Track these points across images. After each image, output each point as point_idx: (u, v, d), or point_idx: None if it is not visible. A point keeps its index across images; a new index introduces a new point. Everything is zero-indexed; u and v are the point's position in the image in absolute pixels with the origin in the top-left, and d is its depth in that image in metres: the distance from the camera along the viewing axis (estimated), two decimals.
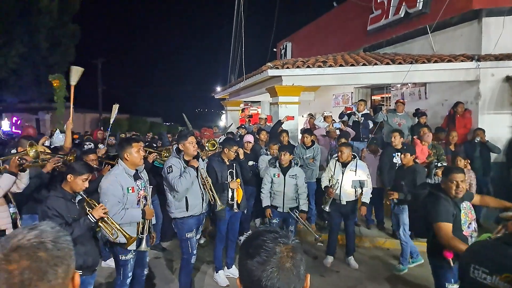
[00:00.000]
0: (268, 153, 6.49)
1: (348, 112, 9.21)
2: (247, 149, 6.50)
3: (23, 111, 22.84)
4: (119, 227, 3.37)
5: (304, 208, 5.48)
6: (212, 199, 4.53)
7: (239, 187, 4.98)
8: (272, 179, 5.57)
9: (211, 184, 4.52)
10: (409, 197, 4.95)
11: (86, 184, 3.31)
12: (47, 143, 5.82)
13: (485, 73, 7.81)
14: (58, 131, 7.48)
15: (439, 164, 6.26)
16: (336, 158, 5.70)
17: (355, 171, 5.50)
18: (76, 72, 5.29)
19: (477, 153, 7.09)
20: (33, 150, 3.97)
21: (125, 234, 3.38)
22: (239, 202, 4.97)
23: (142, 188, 3.75)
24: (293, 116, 8.26)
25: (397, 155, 6.15)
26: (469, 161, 6.07)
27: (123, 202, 3.51)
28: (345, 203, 5.53)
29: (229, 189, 4.90)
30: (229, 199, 4.90)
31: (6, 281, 0.96)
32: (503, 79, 7.82)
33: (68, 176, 3.27)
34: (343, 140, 6.75)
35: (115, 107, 6.48)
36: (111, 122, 6.65)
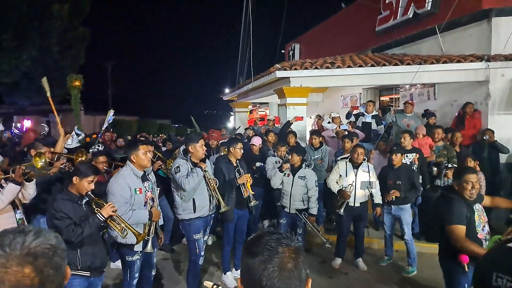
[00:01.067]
0: (275, 154, 6.48)
1: (356, 112, 9.15)
2: (253, 151, 6.51)
3: (34, 114, 23.11)
4: (128, 225, 3.38)
5: (313, 211, 5.40)
6: (216, 201, 4.53)
7: (248, 180, 4.92)
8: (282, 178, 5.58)
9: (215, 186, 4.51)
10: (411, 196, 5.03)
11: (92, 186, 3.30)
12: (69, 142, 5.78)
13: (495, 73, 7.73)
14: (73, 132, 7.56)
15: (449, 165, 6.21)
16: (347, 160, 5.67)
17: (368, 172, 5.50)
18: (46, 83, 5.28)
19: (485, 154, 6.98)
20: (42, 161, 3.76)
21: (134, 231, 3.40)
22: (252, 194, 4.98)
23: (150, 190, 3.78)
24: (302, 117, 8.20)
25: (406, 156, 6.13)
26: (478, 162, 6.01)
27: (130, 203, 3.55)
28: (358, 205, 5.52)
29: (240, 186, 4.88)
30: (243, 195, 4.91)
31: (20, 283, 1.00)
32: None
33: (74, 178, 3.27)
34: (355, 141, 6.73)
35: (109, 113, 6.55)
36: (103, 127, 6.71)
